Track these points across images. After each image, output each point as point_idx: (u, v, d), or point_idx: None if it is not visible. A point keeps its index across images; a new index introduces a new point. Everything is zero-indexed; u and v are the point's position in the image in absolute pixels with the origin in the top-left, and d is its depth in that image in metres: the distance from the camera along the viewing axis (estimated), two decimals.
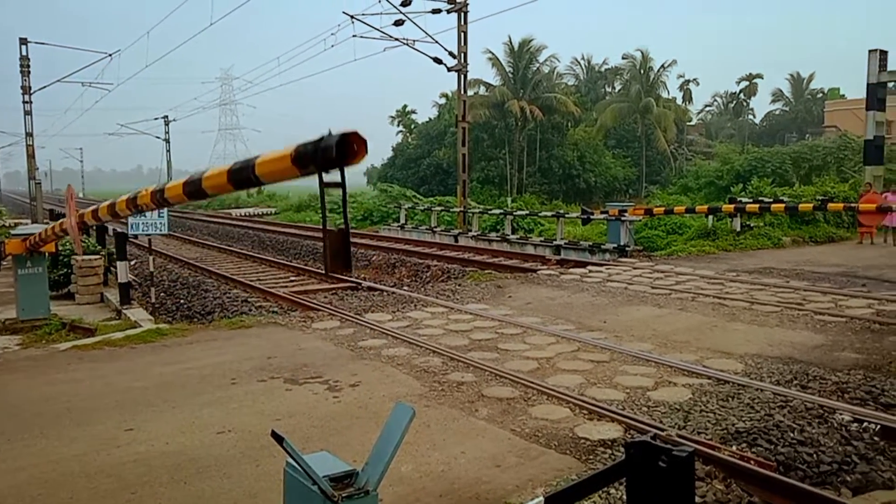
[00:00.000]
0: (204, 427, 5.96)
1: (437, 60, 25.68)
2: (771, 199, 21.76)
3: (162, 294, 15.54)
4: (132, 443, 5.64)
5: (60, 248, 13.36)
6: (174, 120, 59.93)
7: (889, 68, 22.44)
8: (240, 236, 30.62)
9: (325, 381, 7.22)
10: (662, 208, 22.50)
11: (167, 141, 59.76)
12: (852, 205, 19.06)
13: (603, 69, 61.46)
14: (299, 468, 2.50)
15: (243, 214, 47.08)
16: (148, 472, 5.09)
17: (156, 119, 59.83)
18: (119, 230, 13.75)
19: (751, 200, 21.45)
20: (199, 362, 8.08)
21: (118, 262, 12.73)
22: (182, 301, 14.80)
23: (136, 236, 13.94)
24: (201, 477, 5.00)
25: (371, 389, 6.92)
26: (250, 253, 23.16)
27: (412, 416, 2.61)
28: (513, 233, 24.04)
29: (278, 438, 2.44)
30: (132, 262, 20.54)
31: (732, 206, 19.87)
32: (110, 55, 32.52)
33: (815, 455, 5.17)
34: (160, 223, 12.57)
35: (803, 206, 19.20)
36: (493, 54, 46.26)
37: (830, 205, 19.06)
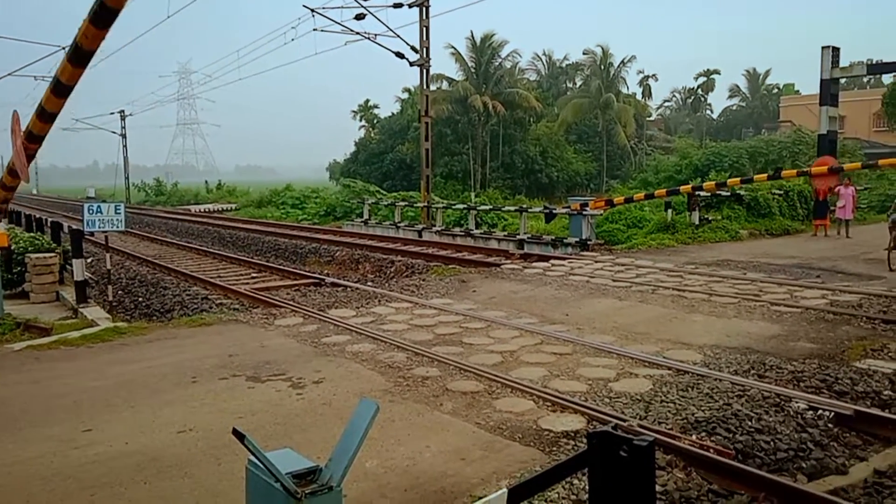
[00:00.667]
0: (164, 426, 5.88)
1: (399, 55, 25.57)
2: (728, 193, 22.21)
3: (120, 292, 15.22)
4: (91, 444, 5.53)
5: (14, 246, 13.00)
6: (131, 114, 58.71)
7: (841, 65, 23.01)
8: (199, 233, 30.14)
9: (289, 378, 7.16)
10: (622, 197, 22.80)
11: (124, 136, 58.51)
12: (805, 170, 19.81)
13: (564, 65, 62.01)
14: (261, 466, 2.48)
15: (203, 210, 46.34)
16: (107, 472, 5.00)
17: (112, 114, 58.35)
18: (74, 227, 13.43)
19: (709, 194, 21.85)
20: (158, 361, 7.95)
21: (74, 260, 12.44)
22: (140, 299, 14.52)
23: (92, 233, 13.59)
24: (162, 477, 4.93)
25: (335, 386, 6.88)
26: (210, 249, 22.82)
27: (376, 411, 2.61)
28: (476, 227, 24.10)
29: (239, 436, 2.41)
30: (88, 260, 20.07)
31: (690, 186, 20.49)
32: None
33: (772, 443, 5.30)
34: (117, 220, 12.31)
35: (758, 177, 20.21)
36: (455, 49, 46.34)
37: (784, 172, 20.00)
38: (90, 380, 7.28)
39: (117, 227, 12.48)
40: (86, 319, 11.09)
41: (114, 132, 58.51)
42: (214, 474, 4.94)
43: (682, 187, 21.02)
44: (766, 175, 20.20)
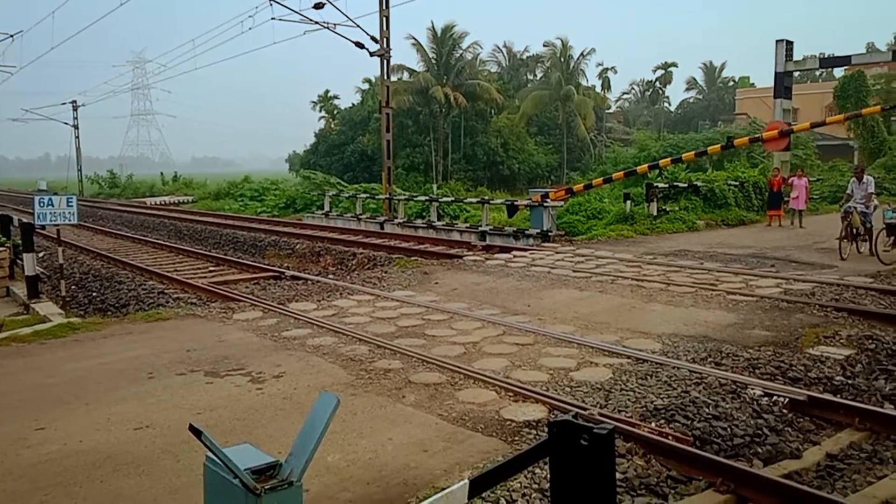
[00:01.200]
0: (120, 423, 5.75)
1: (359, 45, 25.36)
2: (686, 184, 22.58)
3: (73, 287, 14.85)
4: (43, 442, 5.39)
5: None
6: (83, 105, 57.20)
7: (794, 58, 23.52)
8: (155, 226, 29.57)
9: (248, 372, 7.06)
10: (581, 185, 23.08)
11: (76, 127, 56.99)
12: (757, 136, 20.53)
13: (524, 57, 62.20)
14: (219, 462, 2.43)
15: (158, 203, 45.46)
16: (62, 472, 4.88)
17: (63, 104, 56.75)
18: (25, 221, 13.04)
19: (667, 185, 22.19)
20: (113, 357, 7.78)
21: (24, 255, 12.09)
22: (95, 294, 14.19)
23: (43, 227, 13.24)
24: (119, 475, 4.82)
25: (296, 380, 6.81)
26: (167, 243, 22.40)
27: (337, 405, 2.57)
28: (439, 219, 24.10)
29: (196, 432, 2.36)
30: (40, 255, 19.53)
31: (647, 166, 20.99)
32: (12, 36, 30.73)
33: (728, 429, 5.40)
34: (69, 213, 12.00)
35: (712, 148, 21.97)
36: (415, 40, 46.15)
37: (736, 141, 21.65)
38: (43, 377, 7.09)
39: (69, 220, 12.18)
40: (38, 315, 10.79)
41: (66, 123, 56.98)
42: (173, 471, 4.85)
43: (639, 167, 21.53)
44: (719, 146, 21.07)
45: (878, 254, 13.56)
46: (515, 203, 22.13)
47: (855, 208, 14.56)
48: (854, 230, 14.59)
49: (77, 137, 57.17)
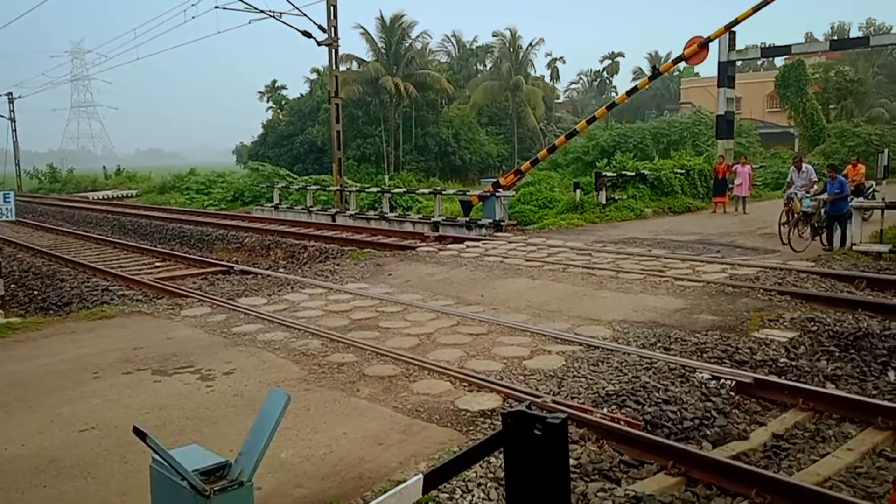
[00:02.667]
0: (64, 425, 5.58)
1: (307, 34, 24.97)
2: (633, 173, 22.94)
3: (12, 286, 14.33)
4: None
5: None
6: (20, 97, 55.12)
7: (737, 48, 24.04)
8: (98, 221, 28.74)
9: (197, 370, 6.92)
10: (528, 163, 23.29)
11: (13, 120, 54.90)
12: (679, 56, 21.64)
13: (474, 46, 62.14)
14: (167, 464, 2.36)
15: (101, 197, 44.16)
16: (1, 478, 4.71)
17: None
18: None
19: (615, 174, 22.51)
20: (56, 357, 7.53)
21: None
22: (35, 292, 13.72)
23: None
24: (63, 478, 4.68)
25: (246, 376, 6.70)
26: (110, 238, 21.80)
27: (287, 401, 2.53)
28: (391, 210, 23.98)
29: (141, 434, 2.28)
30: None
31: (585, 122, 21.73)
32: None
33: (678, 412, 5.51)
34: (6, 209, 11.56)
35: (619, 98, 22.72)
36: (364, 29, 45.63)
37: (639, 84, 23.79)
38: None
39: (6, 216, 11.76)
40: None
41: (1, 116, 54.81)
42: (120, 473, 4.72)
43: (578, 125, 22.64)
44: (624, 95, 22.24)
45: (791, 241, 13.65)
46: (469, 200, 22.03)
47: (795, 195, 14.73)
48: (795, 216, 14.74)
49: (14, 131, 55.07)
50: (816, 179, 15.35)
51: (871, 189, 17.57)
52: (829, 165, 15.17)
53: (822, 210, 13.91)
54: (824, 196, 13.80)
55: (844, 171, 17.22)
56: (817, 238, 14.11)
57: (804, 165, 15.52)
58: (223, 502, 2.36)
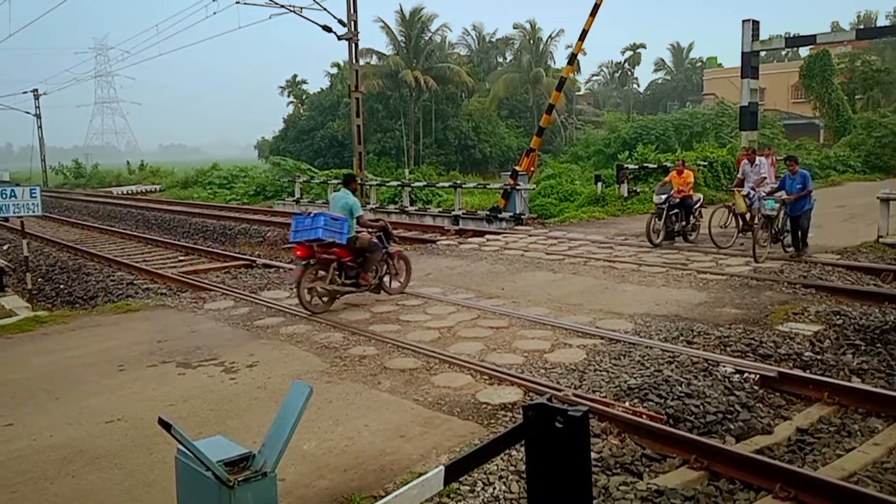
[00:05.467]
0: (91, 417, 5.66)
1: (327, 28, 25.00)
2: (655, 165, 22.74)
3: (39, 280, 14.58)
4: (12, 438, 5.29)
5: None
6: (45, 94, 55.74)
7: (761, 38, 23.70)
8: (122, 216, 29.08)
9: (221, 362, 6.99)
10: (535, 137, 23.15)
11: (38, 116, 55.61)
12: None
13: (494, 39, 61.89)
14: (191, 455, 2.39)
15: (125, 192, 44.68)
16: (31, 468, 4.79)
17: (25, 93, 55.24)
18: None
19: (637, 167, 22.33)
20: (83, 350, 7.65)
21: None
22: (62, 286, 13.94)
23: (6, 219, 12.95)
24: (90, 469, 4.75)
25: (269, 369, 6.76)
26: (134, 233, 22.05)
27: (310, 393, 2.55)
28: (411, 204, 24.02)
29: (166, 426, 2.31)
30: (4, 247, 19.16)
31: (567, 64, 22.53)
32: None
33: (701, 406, 5.47)
34: (33, 204, 11.76)
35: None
36: (384, 23, 45.66)
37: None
38: (10, 372, 6.95)
39: (33, 211, 11.96)
40: (3, 309, 10.58)
41: (27, 112, 55.52)
42: (146, 464, 4.79)
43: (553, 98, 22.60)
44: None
45: (755, 251, 11.50)
46: (499, 211, 21.57)
47: (738, 191, 13.38)
48: (739, 216, 13.40)
49: (40, 127, 55.76)
50: (766, 174, 13.71)
51: (699, 203, 14.07)
52: (788, 157, 12.64)
53: (783, 211, 11.74)
54: (782, 194, 11.70)
55: (667, 177, 14.45)
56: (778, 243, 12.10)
57: (758, 158, 13.81)
58: (247, 493, 2.38)
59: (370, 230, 9.65)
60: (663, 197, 13.37)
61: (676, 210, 13.62)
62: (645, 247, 13.34)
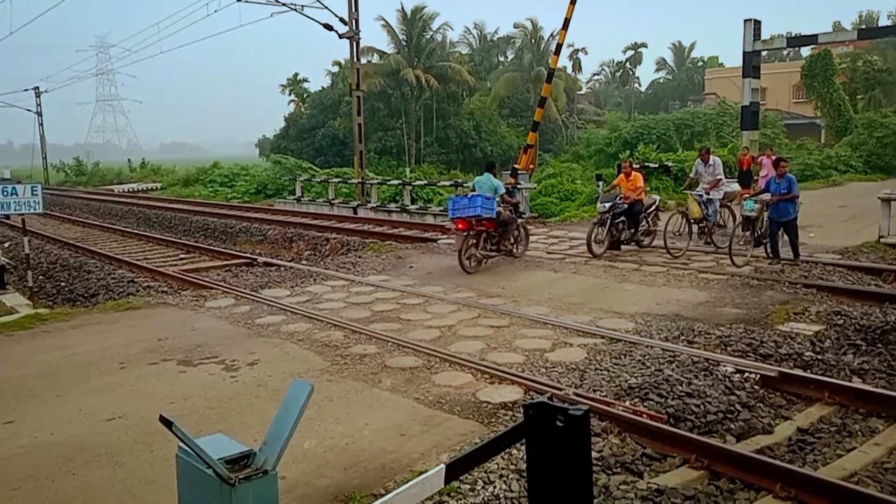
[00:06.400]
0: (92, 415, 5.67)
1: (328, 27, 25.02)
2: (657, 165, 22.73)
3: (40, 277, 14.59)
4: (13, 436, 5.29)
5: None
6: (46, 91, 55.76)
7: (762, 38, 23.69)
8: (123, 213, 29.10)
9: (222, 360, 6.99)
10: (531, 133, 23.09)
11: (39, 114, 55.65)
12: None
13: (495, 38, 61.90)
14: (192, 452, 2.39)
15: (126, 190, 44.68)
16: (32, 465, 4.80)
17: (26, 90, 55.28)
18: None
19: (638, 166, 22.30)
20: (84, 347, 7.65)
21: None
22: (63, 284, 13.95)
23: (7, 216, 12.97)
24: (91, 467, 4.76)
25: (270, 367, 6.76)
26: (136, 231, 22.07)
27: (310, 391, 2.55)
28: (412, 203, 24.00)
29: (167, 423, 2.31)
30: (5, 245, 19.17)
31: (554, 54, 21.97)
32: None
33: (702, 406, 5.47)
34: (34, 202, 11.77)
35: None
36: (385, 21, 45.67)
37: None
38: (11, 369, 6.95)
39: (34, 209, 11.97)
40: (4, 307, 10.58)
41: (28, 110, 55.56)
42: (147, 462, 4.80)
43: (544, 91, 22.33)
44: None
45: (731, 254, 11.04)
46: (509, 186, 21.61)
47: (690, 194, 12.80)
48: (690, 221, 12.72)
49: (41, 125, 55.85)
50: (721, 175, 13.01)
51: (654, 207, 13.26)
52: (777, 158, 11.92)
53: (766, 214, 11.24)
54: (767, 196, 11.12)
55: (615, 181, 13.50)
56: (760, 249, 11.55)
57: (712, 158, 13.19)
58: (248, 490, 2.38)
59: (507, 206, 11.90)
60: (607, 205, 12.32)
61: (623, 218, 12.48)
62: (646, 246, 13.21)
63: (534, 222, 18.91)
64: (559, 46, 23.64)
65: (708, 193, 12.71)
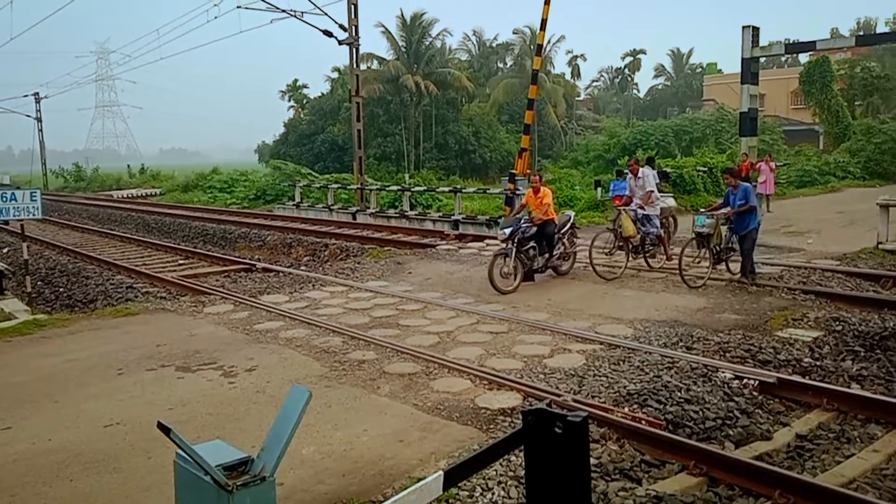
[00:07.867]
0: (90, 421, 5.66)
1: (328, 33, 25.07)
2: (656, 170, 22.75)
3: (39, 283, 14.57)
4: (10, 442, 5.28)
5: None
6: (46, 97, 55.80)
7: (761, 44, 23.74)
8: (122, 219, 29.10)
9: (220, 366, 6.99)
10: (523, 136, 23.06)
11: (39, 120, 55.68)
12: None
13: (494, 44, 62.03)
14: (190, 459, 2.39)
15: (126, 196, 44.66)
16: (29, 471, 4.78)
17: (25, 96, 55.33)
18: None
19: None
20: (82, 353, 7.64)
21: None
22: (62, 290, 13.93)
23: (6, 222, 12.96)
24: (89, 473, 4.75)
25: (269, 373, 6.75)
26: (134, 236, 22.06)
27: (308, 398, 2.55)
28: (411, 209, 24.02)
29: (165, 429, 2.31)
30: (4, 250, 19.18)
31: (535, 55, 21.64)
32: None
33: (700, 412, 5.47)
34: (33, 207, 11.76)
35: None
36: (385, 28, 45.76)
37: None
38: (8, 375, 6.95)
39: (33, 214, 11.95)
40: (3, 312, 10.59)
41: (28, 116, 55.59)
42: (144, 468, 4.79)
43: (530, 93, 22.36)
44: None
45: (681, 272, 10.23)
46: (508, 192, 21.32)
47: (623, 210, 11.54)
48: (626, 240, 11.36)
49: (40, 131, 55.85)
50: (653, 188, 11.79)
51: (569, 225, 11.42)
52: (726, 170, 11.33)
53: (727, 228, 10.49)
54: (726, 210, 10.45)
55: (524, 199, 11.63)
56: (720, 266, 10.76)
57: (641, 170, 11.87)
58: (246, 497, 2.38)
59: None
60: (507, 231, 10.39)
61: (533, 243, 10.76)
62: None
63: None
64: (539, 47, 23.62)
65: (643, 209, 11.59)
